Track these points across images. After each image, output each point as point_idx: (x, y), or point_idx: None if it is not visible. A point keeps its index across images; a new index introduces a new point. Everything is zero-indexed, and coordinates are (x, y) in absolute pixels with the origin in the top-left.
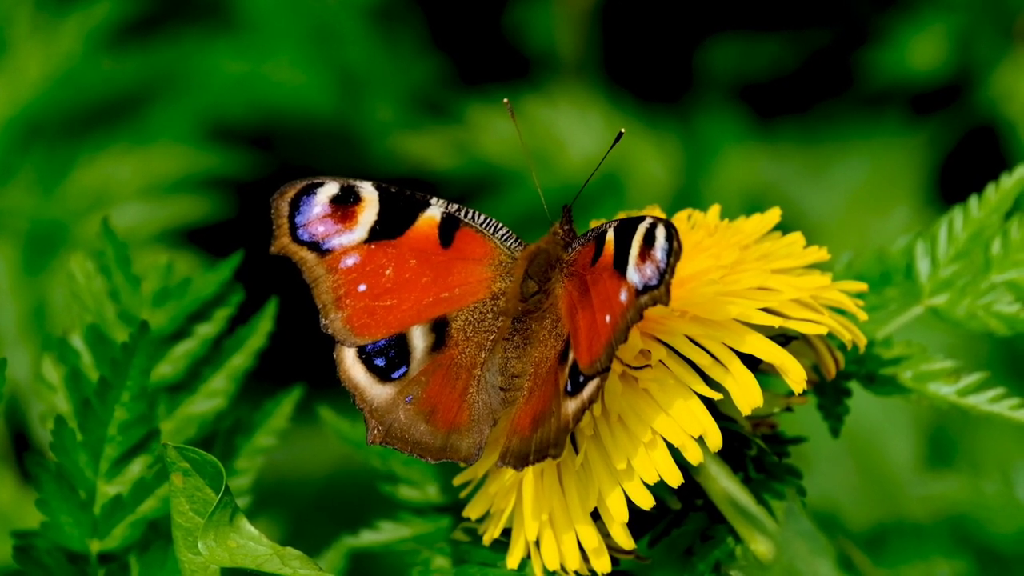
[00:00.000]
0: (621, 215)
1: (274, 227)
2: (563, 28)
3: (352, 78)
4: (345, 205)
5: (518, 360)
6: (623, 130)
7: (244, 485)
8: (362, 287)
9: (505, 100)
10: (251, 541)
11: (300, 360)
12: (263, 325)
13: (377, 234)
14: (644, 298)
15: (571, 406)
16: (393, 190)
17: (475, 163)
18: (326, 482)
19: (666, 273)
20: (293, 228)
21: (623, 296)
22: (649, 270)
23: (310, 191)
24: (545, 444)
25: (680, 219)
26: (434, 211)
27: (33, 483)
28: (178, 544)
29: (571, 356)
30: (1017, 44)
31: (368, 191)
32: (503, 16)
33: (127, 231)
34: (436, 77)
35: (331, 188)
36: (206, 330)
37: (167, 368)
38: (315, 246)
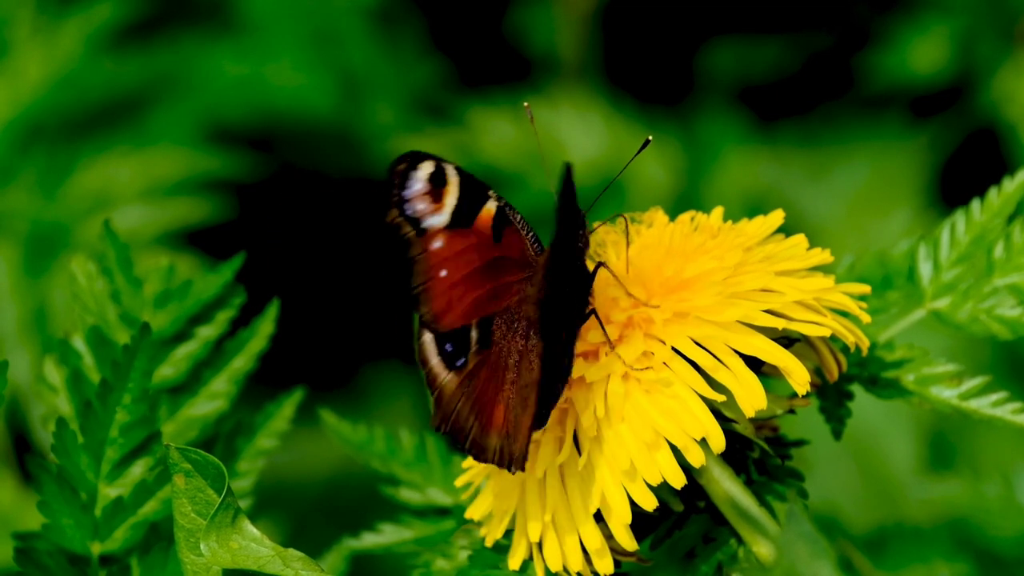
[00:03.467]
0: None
1: (391, 195)
2: (564, 31)
3: (353, 80)
4: (437, 186)
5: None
6: (650, 137)
7: (245, 487)
8: (443, 272)
9: (526, 104)
10: (253, 542)
11: (301, 362)
12: (264, 327)
13: (456, 220)
14: None
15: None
16: (469, 174)
17: (475, 165)
18: (327, 484)
19: None
20: (401, 201)
21: None
22: None
23: (415, 165)
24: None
25: (683, 221)
26: (491, 204)
27: (34, 485)
28: (180, 545)
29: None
30: (1018, 47)
31: (452, 173)
32: (504, 18)
33: (128, 233)
34: (437, 79)
35: (428, 166)
36: (207, 332)
37: (168, 370)
38: (415, 223)
